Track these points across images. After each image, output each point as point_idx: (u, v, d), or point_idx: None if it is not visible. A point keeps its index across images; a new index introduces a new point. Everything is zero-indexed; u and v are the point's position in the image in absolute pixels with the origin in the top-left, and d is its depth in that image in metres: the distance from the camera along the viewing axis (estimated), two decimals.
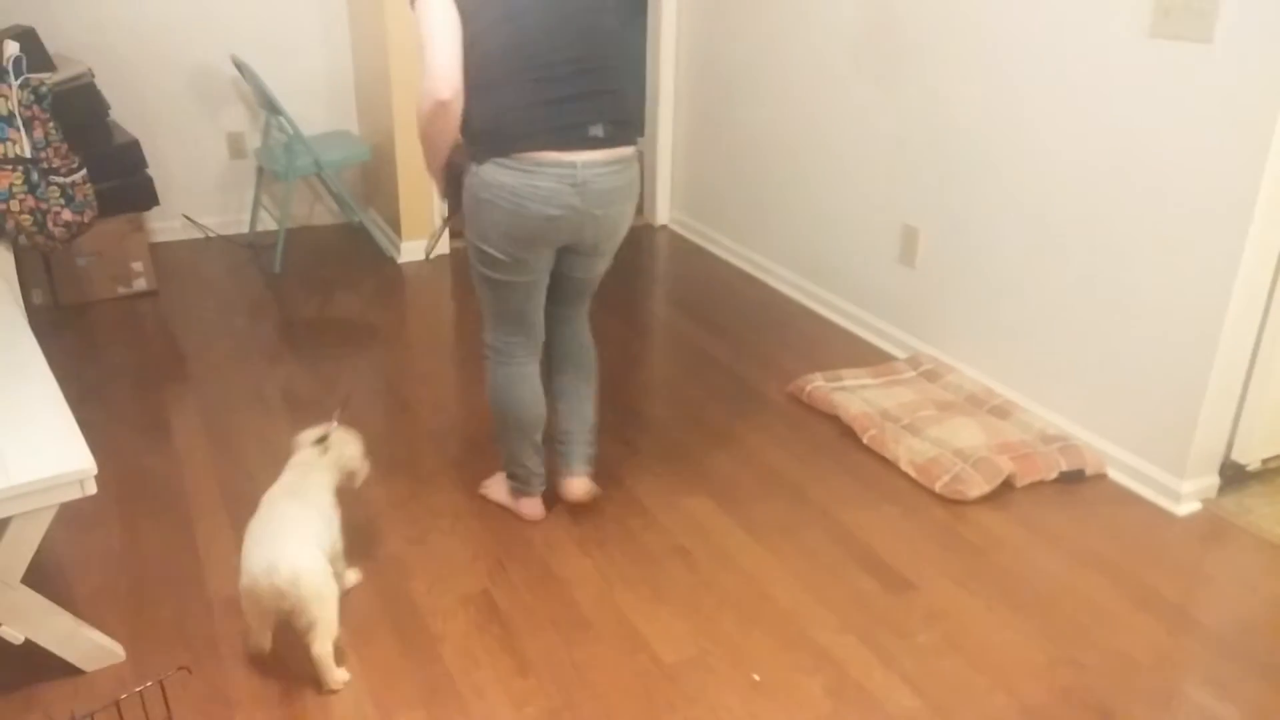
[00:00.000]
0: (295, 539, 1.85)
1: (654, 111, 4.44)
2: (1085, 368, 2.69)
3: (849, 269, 3.53)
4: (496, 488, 2.46)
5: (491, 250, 2.10)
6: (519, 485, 2.38)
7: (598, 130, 2.01)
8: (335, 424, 2.13)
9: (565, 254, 2.18)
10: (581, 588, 2.17)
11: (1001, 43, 2.77)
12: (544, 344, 2.32)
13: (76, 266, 3.54)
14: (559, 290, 2.27)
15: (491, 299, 2.20)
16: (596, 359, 2.41)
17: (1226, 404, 2.46)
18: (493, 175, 2.01)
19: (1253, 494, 2.56)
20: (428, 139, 2.07)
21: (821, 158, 3.56)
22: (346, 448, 2.13)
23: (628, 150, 2.09)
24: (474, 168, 2.05)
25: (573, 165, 2.00)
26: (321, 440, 2.09)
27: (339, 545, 2.03)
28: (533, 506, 2.39)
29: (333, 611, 1.83)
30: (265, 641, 1.93)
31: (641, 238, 4.47)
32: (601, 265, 2.25)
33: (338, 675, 1.87)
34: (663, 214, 4.60)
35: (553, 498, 2.45)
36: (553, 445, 2.37)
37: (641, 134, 2.11)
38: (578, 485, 2.36)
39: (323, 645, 1.82)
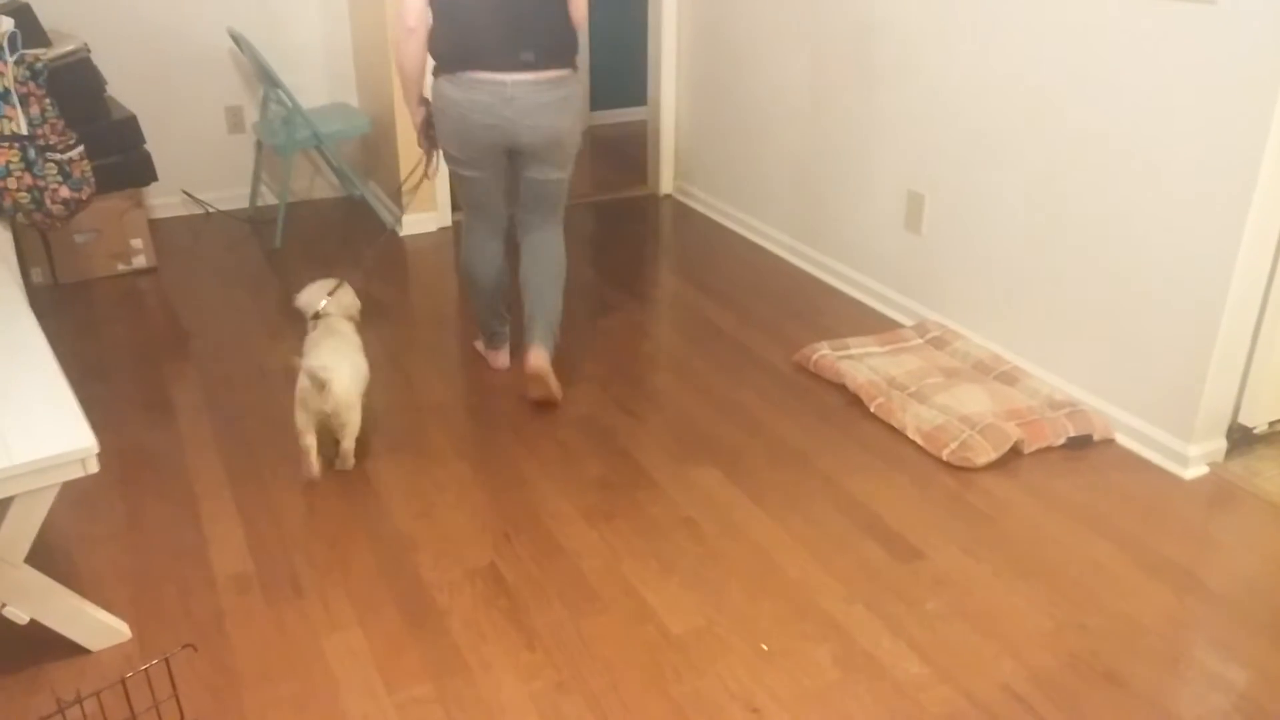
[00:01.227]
0: (336, 359, 2.41)
1: (656, 80, 4.39)
2: (1092, 333, 2.66)
3: (855, 236, 3.50)
4: (480, 343, 3.01)
5: (451, 150, 2.61)
6: (488, 340, 2.96)
7: (528, 56, 2.46)
8: (336, 281, 2.67)
9: (517, 159, 2.63)
10: (588, 560, 2.17)
11: (1005, 6, 2.72)
12: (520, 248, 2.78)
13: (75, 244, 3.52)
14: (524, 196, 2.72)
15: (460, 188, 2.72)
16: (564, 265, 2.80)
17: (1232, 367, 2.44)
18: (444, 89, 2.52)
19: (1260, 457, 2.54)
20: (400, 66, 2.56)
21: (826, 125, 3.52)
22: (344, 297, 2.67)
23: (557, 73, 2.51)
24: (434, 82, 2.55)
25: (504, 84, 2.47)
26: (334, 291, 2.63)
27: (365, 379, 2.53)
28: (497, 358, 2.96)
29: (357, 417, 2.44)
30: (311, 442, 2.40)
31: (645, 207, 4.44)
32: (552, 173, 2.66)
33: (352, 462, 2.47)
34: (666, 183, 4.56)
35: (553, 478, 2.45)
36: (522, 329, 2.78)
37: (573, 64, 2.58)
38: (534, 355, 2.68)
39: (348, 442, 2.45)
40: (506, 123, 2.50)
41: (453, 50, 2.47)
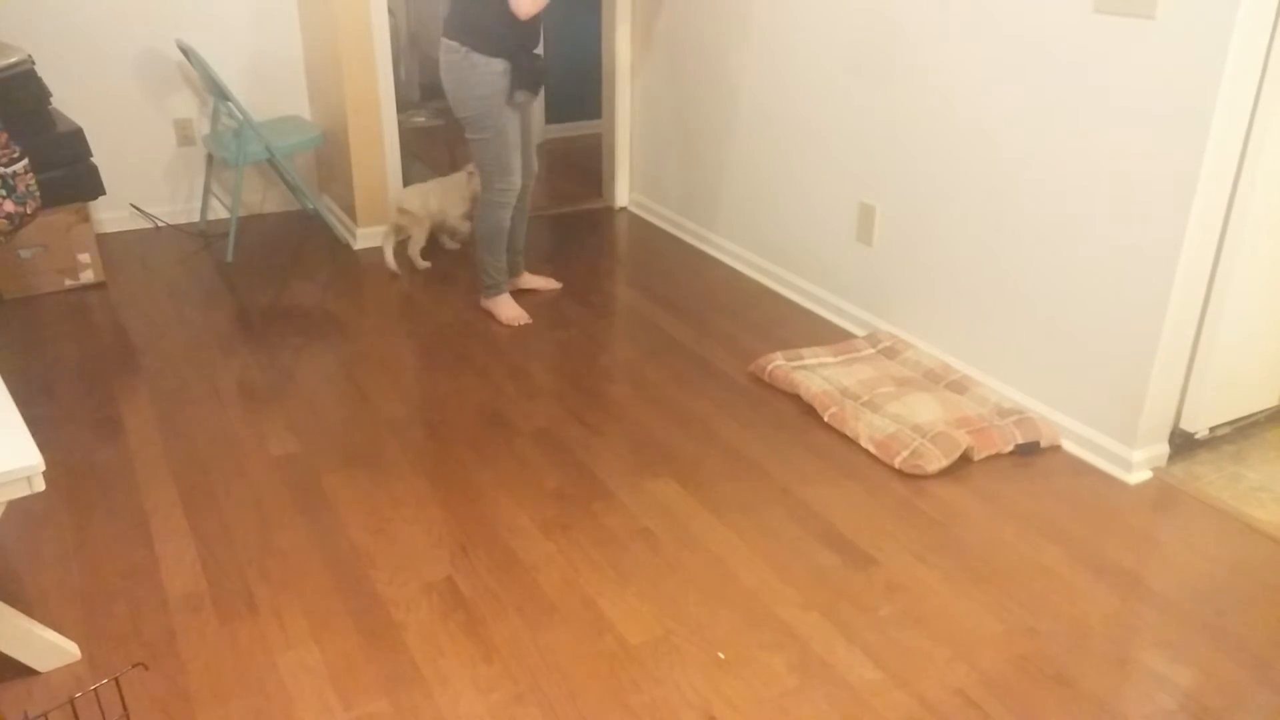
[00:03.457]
0: (413, 190, 3.72)
1: (611, 93, 4.42)
2: (1039, 342, 2.73)
3: (808, 248, 3.54)
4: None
5: None
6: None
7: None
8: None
9: None
10: (545, 572, 2.17)
11: (952, 20, 2.79)
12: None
13: (20, 259, 3.45)
14: None
15: None
16: (481, 226, 3.32)
17: (1174, 374, 2.51)
18: None
19: (1201, 462, 2.62)
20: None
21: (778, 138, 3.57)
22: (474, 180, 3.72)
23: (446, 41, 3.08)
24: None
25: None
26: (471, 174, 3.75)
27: (456, 221, 3.88)
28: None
29: (423, 233, 3.73)
30: (389, 251, 3.75)
31: (602, 220, 4.46)
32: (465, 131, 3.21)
33: (422, 262, 3.77)
34: (622, 196, 4.59)
35: (510, 491, 2.45)
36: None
37: (461, 38, 3.07)
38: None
39: (415, 247, 3.75)
40: None
41: None
